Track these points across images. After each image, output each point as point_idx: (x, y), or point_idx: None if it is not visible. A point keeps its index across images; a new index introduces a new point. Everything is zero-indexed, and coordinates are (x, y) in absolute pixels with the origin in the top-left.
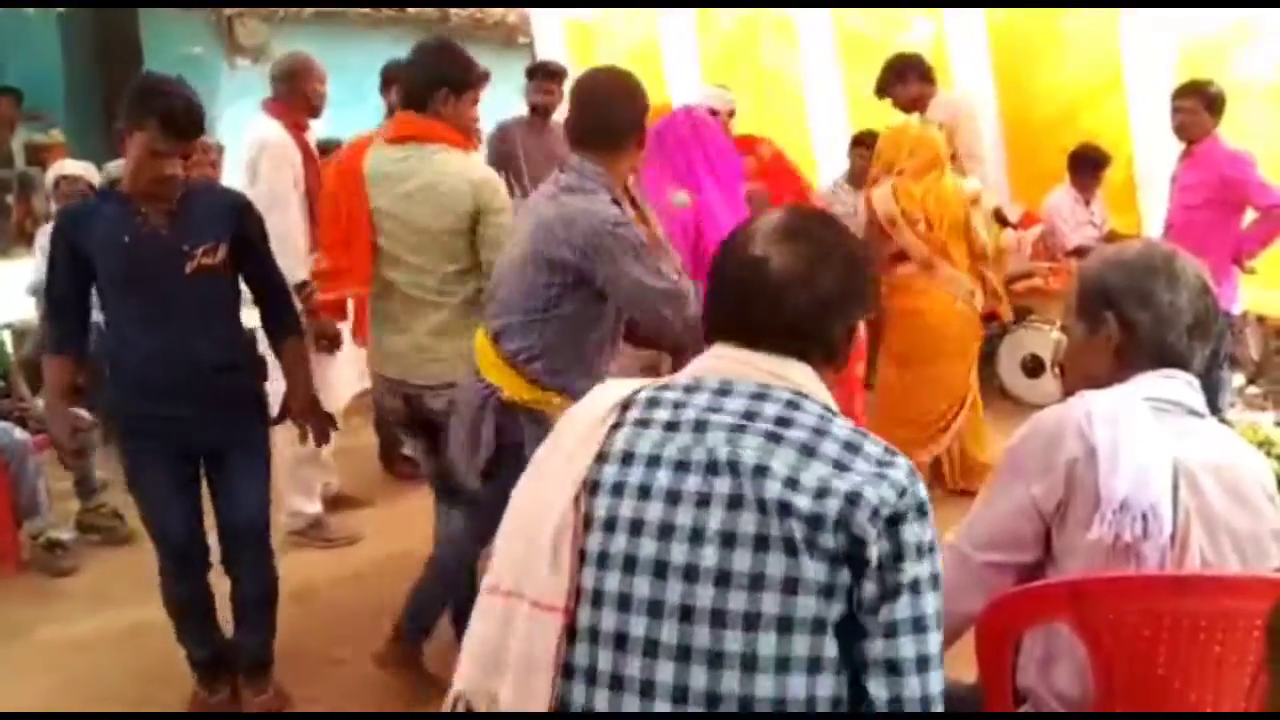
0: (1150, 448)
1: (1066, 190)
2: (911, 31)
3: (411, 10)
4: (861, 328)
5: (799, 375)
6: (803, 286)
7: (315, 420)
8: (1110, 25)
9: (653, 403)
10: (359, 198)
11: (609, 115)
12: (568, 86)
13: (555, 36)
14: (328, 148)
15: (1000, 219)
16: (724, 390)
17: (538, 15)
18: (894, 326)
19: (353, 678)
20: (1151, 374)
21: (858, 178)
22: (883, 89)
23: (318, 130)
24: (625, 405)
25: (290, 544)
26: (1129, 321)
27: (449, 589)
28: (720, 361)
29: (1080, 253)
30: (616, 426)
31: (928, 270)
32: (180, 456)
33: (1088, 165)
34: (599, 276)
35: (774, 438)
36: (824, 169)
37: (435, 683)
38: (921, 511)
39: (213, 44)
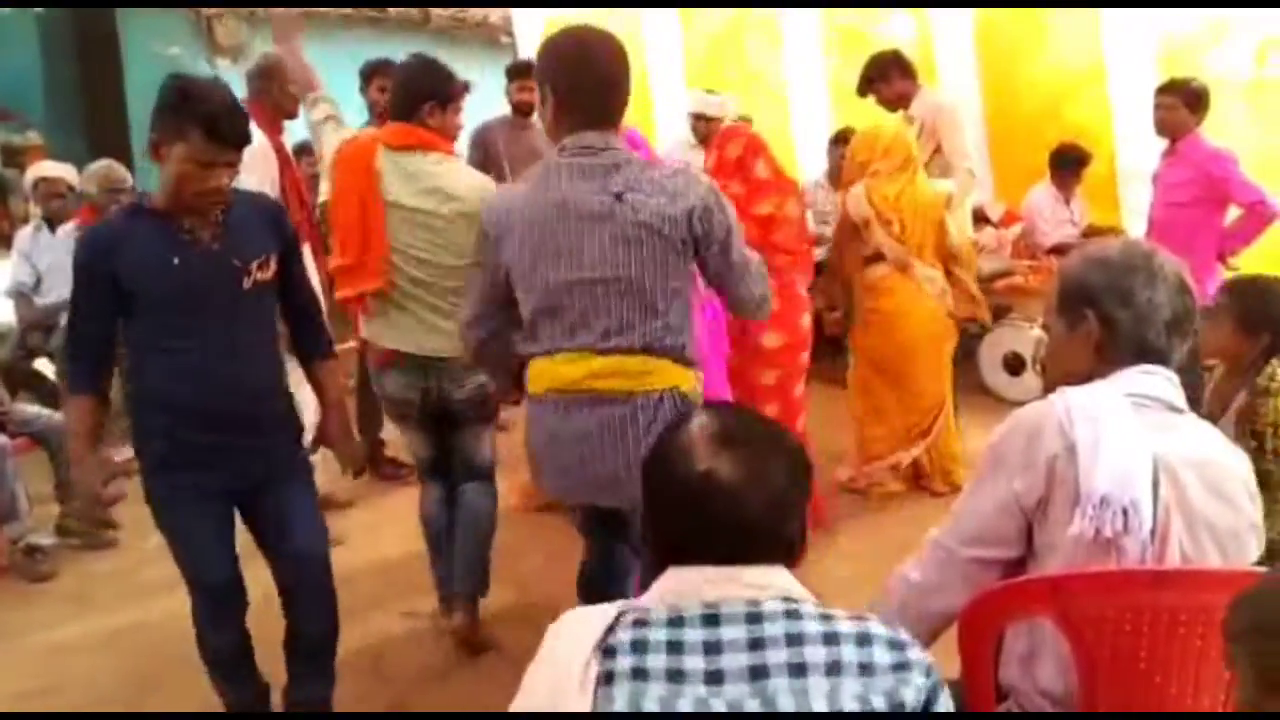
0: (1130, 443)
1: (1047, 188)
2: (896, 25)
3: (392, 11)
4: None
5: (780, 580)
6: (755, 492)
7: (351, 448)
8: (1092, 20)
9: (639, 646)
10: (373, 194)
11: (628, 88)
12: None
13: (538, 36)
14: (305, 149)
15: (981, 217)
16: (712, 617)
17: (520, 15)
18: (869, 329)
19: (346, 683)
20: (1132, 370)
21: (837, 176)
22: (865, 87)
23: (297, 131)
24: (605, 650)
25: None
26: (1109, 318)
27: (483, 554)
28: (695, 586)
29: (1059, 250)
30: (608, 678)
31: (903, 270)
32: (221, 493)
33: (1069, 163)
34: (711, 243)
35: (798, 670)
36: (807, 168)
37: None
38: (941, 685)
39: (192, 44)
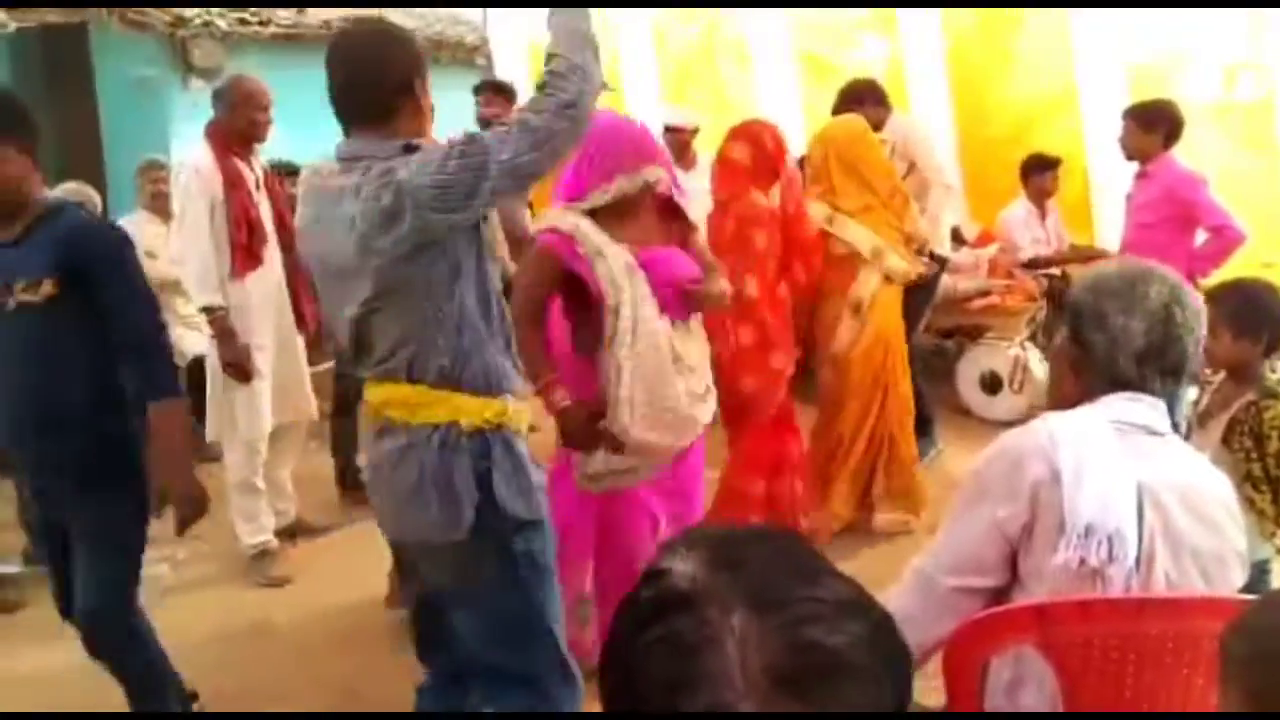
0: (1114, 471)
1: (1022, 203)
2: (867, 51)
3: None
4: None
5: None
6: None
7: (183, 506)
8: (1063, 44)
9: None
10: None
11: (393, 80)
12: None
13: (515, 57)
14: (282, 169)
15: (957, 238)
16: None
17: (496, 36)
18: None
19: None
20: (1116, 396)
21: None
22: (838, 114)
23: (274, 152)
24: None
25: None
26: (1083, 340)
27: None
28: None
29: (1034, 265)
30: None
31: None
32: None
33: (1039, 167)
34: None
35: None
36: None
37: None
38: None
39: (166, 65)
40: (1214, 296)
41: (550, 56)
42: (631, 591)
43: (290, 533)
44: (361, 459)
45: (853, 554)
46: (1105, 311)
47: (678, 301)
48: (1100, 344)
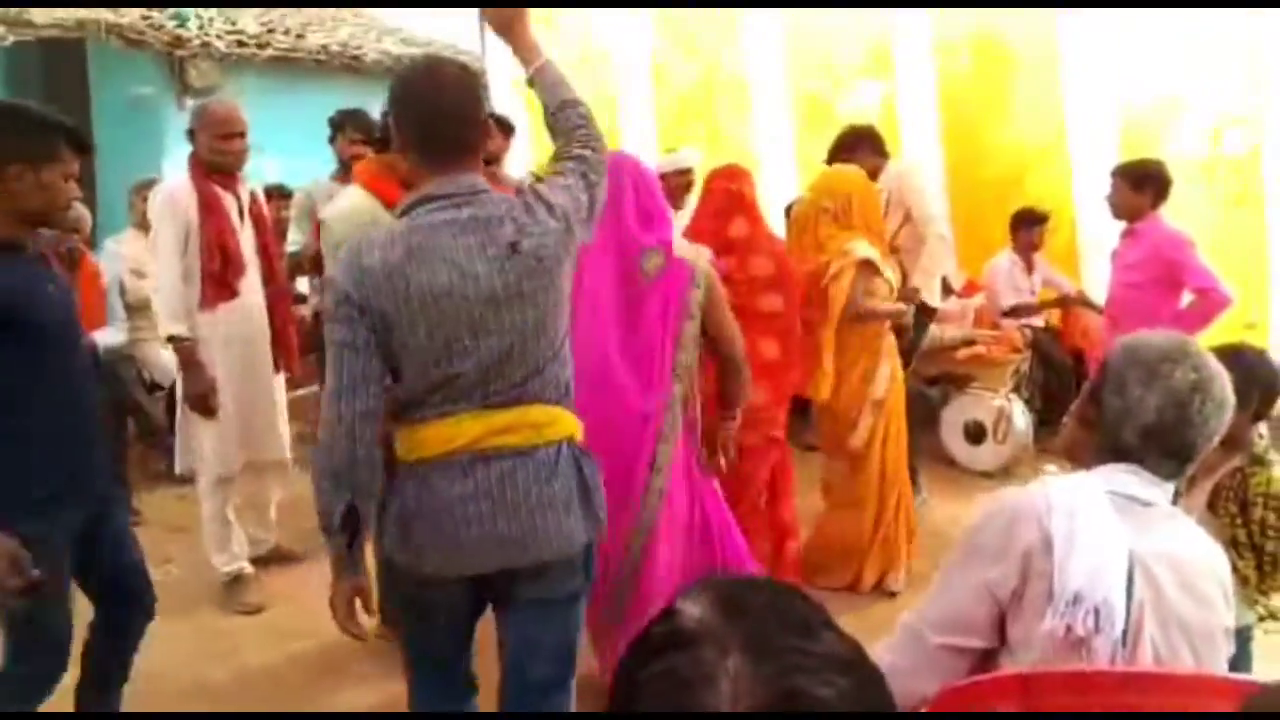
0: (1106, 542)
1: (1007, 255)
2: (862, 94)
3: (369, 59)
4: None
5: None
6: None
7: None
8: (1054, 92)
9: None
10: None
11: (484, 121)
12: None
13: (513, 90)
14: (273, 193)
15: (945, 286)
16: None
17: (495, 69)
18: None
19: None
20: (1116, 466)
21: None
22: (834, 161)
23: (267, 174)
24: None
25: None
26: (1100, 400)
27: None
28: None
29: (1015, 312)
30: None
31: None
32: (73, 538)
33: (1028, 221)
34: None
35: None
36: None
37: None
38: None
39: (163, 85)
40: None
41: (565, 103)
42: (646, 625)
43: (268, 561)
44: None
45: (846, 607)
46: (1126, 379)
47: None
48: (1113, 408)
